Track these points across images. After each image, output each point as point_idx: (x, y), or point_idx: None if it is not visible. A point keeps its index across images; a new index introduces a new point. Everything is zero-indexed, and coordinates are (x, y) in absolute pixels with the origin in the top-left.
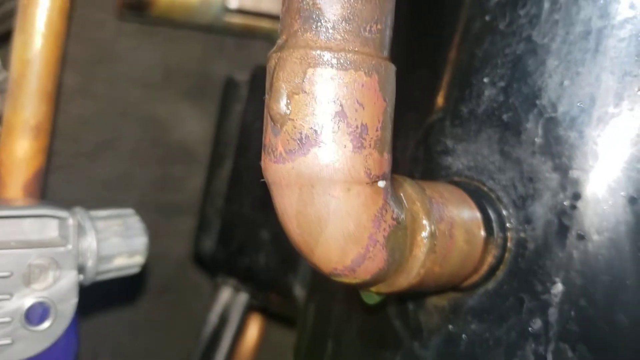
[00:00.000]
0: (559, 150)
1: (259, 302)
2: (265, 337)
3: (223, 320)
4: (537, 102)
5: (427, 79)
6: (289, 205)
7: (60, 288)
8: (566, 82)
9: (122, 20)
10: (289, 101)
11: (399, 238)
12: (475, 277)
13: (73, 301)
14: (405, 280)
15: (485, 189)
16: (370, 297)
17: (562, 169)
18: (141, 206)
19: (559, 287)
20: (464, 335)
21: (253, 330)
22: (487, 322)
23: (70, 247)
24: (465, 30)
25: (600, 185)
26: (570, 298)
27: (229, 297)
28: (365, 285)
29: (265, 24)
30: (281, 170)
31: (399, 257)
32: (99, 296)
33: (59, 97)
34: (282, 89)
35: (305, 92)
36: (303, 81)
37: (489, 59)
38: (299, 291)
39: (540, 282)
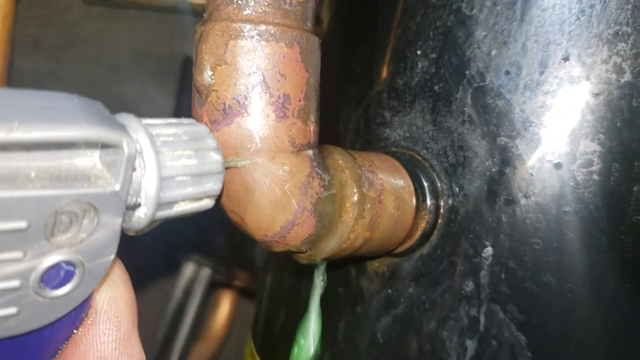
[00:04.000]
0: (487, 119)
1: (224, 277)
2: (237, 313)
3: (187, 295)
4: (467, 72)
5: (366, 53)
6: None
7: (94, 242)
8: (494, 52)
9: (88, 3)
10: (212, 73)
11: (328, 205)
12: (410, 243)
13: (108, 259)
14: (336, 245)
15: (419, 158)
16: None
17: (490, 137)
18: None
19: (489, 251)
20: (402, 299)
21: (224, 307)
22: (423, 285)
23: (117, 187)
24: (400, 4)
25: (526, 151)
26: (500, 260)
27: (193, 273)
28: (297, 251)
29: None
30: None
31: (328, 223)
32: None
33: (28, 81)
34: (205, 60)
35: (228, 63)
36: (225, 53)
37: (421, 32)
38: (260, 264)
39: (472, 246)
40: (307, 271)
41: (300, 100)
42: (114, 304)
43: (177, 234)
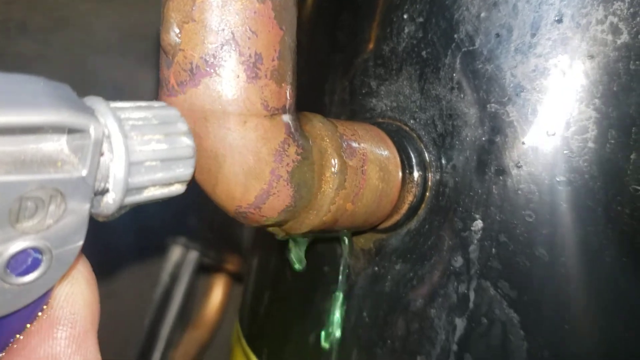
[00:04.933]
0: (476, 85)
1: (212, 261)
2: (230, 299)
3: (174, 279)
4: (455, 36)
5: (351, 19)
6: None
7: (61, 229)
8: (483, 14)
9: None
10: (179, 31)
11: (305, 173)
12: (397, 217)
13: (76, 245)
14: (316, 218)
15: (406, 128)
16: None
17: (480, 104)
18: None
19: (478, 224)
20: (389, 276)
21: (217, 292)
22: (410, 261)
23: (85, 172)
24: None
25: (518, 118)
26: (491, 234)
27: (180, 256)
28: (275, 223)
29: None
30: (174, 104)
31: (306, 193)
32: None
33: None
34: (172, 18)
35: (195, 20)
36: (192, 9)
37: None
38: (248, 247)
39: (461, 220)
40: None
41: (273, 60)
42: (71, 300)
43: (162, 217)
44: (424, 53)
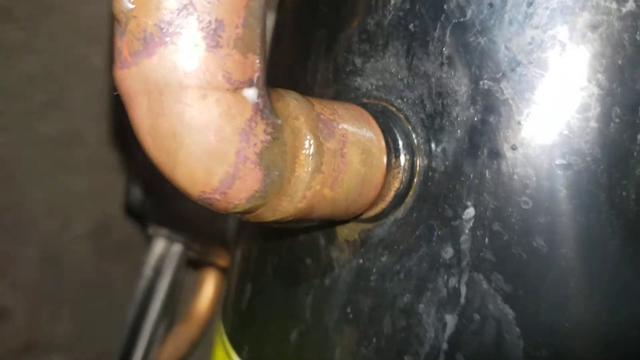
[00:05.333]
0: (468, 60)
1: (198, 254)
2: (223, 293)
3: (158, 273)
4: (445, 7)
5: None
6: (140, 119)
7: None
8: None
9: None
10: None
11: (276, 155)
12: (383, 205)
13: None
14: (290, 204)
15: (393, 109)
16: None
17: (472, 80)
18: (92, 164)
19: (470, 212)
20: (374, 269)
21: (208, 287)
22: (397, 253)
23: None
24: None
25: (513, 95)
26: (483, 223)
27: (164, 249)
28: (246, 211)
29: None
30: (127, 77)
31: (278, 177)
32: (60, 258)
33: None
34: None
35: None
36: None
37: None
38: (232, 238)
39: (451, 207)
40: (274, 244)
41: (237, 28)
42: None
43: (143, 206)
44: (411, 26)
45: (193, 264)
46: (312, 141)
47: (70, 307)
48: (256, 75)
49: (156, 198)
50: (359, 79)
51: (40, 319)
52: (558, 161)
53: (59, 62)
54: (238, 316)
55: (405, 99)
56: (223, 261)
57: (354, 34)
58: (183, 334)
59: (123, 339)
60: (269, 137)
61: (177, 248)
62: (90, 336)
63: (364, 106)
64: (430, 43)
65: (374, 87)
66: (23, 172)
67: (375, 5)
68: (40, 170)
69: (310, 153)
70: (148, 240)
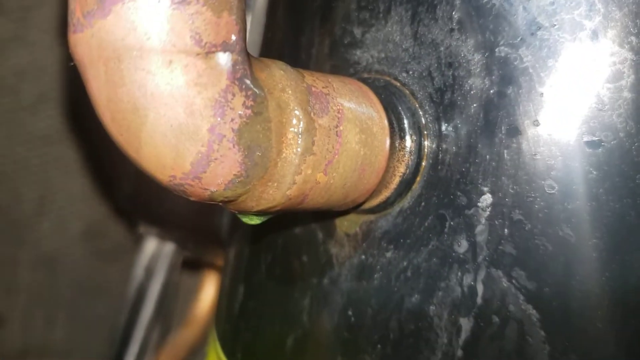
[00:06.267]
0: (481, 24)
1: (192, 253)
2: None
3: (150, 274)
4: None
5: None
6: (97, 91)
7: None
8: None
9: None
10: None
11: (259, 133)
12: (387, 193)
13: None
14: (277, 192)
15: (397, 84)
16: (249, 217)
17: (487, 47)
18: (85, 163)
19: (487, 198)
20: (378, 266)
21: (209, 289)
22: (404, 248)
23: None
24: None
25: (534, 63)
26: (502, 211)
27: (155, 248)
28: (225, 200)
29: None
30: (81, 42)
31: (261, 159)
32: (55, 262)
33: None
34: None
35: None
36: None
37: None
38: (225, 236)
39: (465, 194)
40: (267, 240)
41: None
42: None
43: (134, 204)
44: None
45: (191, 265)
46: (301, 117)
47: (65, 311)
48: (233, 37)
49: (145, 194)
50: (358, 52)
51: (35, 323)
52: (587, 138)
53: (50, 56)
54: (230, 320)
55: (410, 72)
56: (222, 261)
57: (352, 0)
58: (182, 339)
59: (114, 344)
60: (249, 112)
61: (169, 247)
62: (86, 341)
63: (364, 81)
64: (438, 7)
65: (375, 59)
66: (15, 170)
67: None
68: (33, 168)
69: (299, 131)
70: (138, 240)
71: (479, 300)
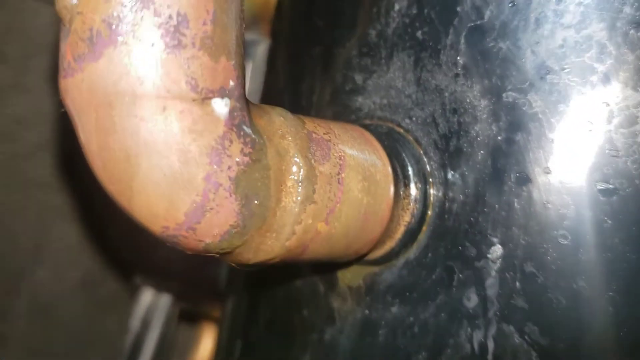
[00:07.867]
0: (487, 69)
1: (191, 305)
2: None
3: (146, 325)
4: (458, 8)
5: (330, 5)
6: (88, 138)
7: None
8: None
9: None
10: None
11: (257, 181)
12: (391, 244)
13: None
14: (276, 243)
15: (400, 130)
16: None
17: (494, 93)
18: (82, 212)
19: (497, 250)
20: (383, 322)
21: (206, 343)
22: (410, 302)
23: None
24: None
25: (544, 108)
26: (514, 263)
27: (152, 300)
28: (222, 251)
29: None
30: (71, 87)
31: (259, 209)
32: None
33: None
34: None
35: None
36: None
37: None
38: (223, 288)
39: (473, 245)
40: (265, 292)
41: (204, 24)
42: None
43: (131, 254)
44: (419, 34)
45: (188, 317)
46: (301, 164)
47: (64, 330)
48: (231, 83)
49: (141, 244)
50: (360, 98)
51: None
52: (600, 186)
53: (50, 103)
54: None
55: (414, 118)
56: (219, 312)
57: (354, 47)
58: None
59: None
60: (247, 159)
61: (166, 299)
62: None
63: (367, 128)
64: (442, 52)
65: (377, 106)
66: (11, 218)
67: (376, 13)
68: (30, 216)
69: (300, 178)
70: (135, 290)
71: (489, 357)
